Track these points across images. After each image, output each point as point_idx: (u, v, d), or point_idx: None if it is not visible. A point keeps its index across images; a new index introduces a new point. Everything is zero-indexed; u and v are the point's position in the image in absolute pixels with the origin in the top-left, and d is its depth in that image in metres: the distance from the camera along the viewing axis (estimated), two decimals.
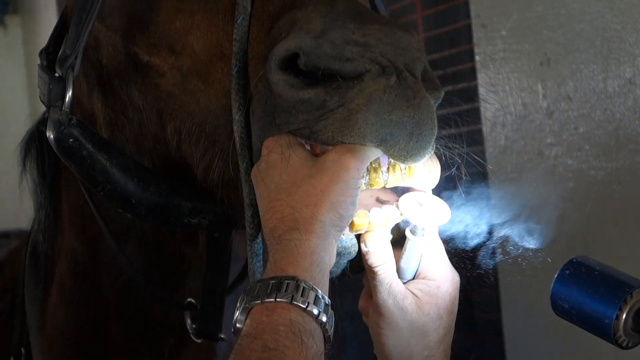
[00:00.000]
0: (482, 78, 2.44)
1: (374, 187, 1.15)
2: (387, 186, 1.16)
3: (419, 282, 1.20)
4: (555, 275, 1.09)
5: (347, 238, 1.15)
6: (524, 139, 2.35)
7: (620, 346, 1.05)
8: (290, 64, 1.06)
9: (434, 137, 1.08)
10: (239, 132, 1.16)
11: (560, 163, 2.28)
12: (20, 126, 1.83)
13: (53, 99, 1.40)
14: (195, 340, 1.64)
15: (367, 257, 1.17)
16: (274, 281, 1.00)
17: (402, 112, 1.03)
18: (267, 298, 0.99)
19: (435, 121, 1.07)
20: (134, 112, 1.39)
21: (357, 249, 1.17)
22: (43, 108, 1.52)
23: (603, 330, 1.04)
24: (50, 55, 1.45)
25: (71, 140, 1.37)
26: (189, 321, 1.64)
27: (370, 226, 1.17)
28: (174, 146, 1.32)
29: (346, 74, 1.02)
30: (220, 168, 1.25)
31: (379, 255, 1.17)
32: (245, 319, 1.01)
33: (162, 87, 1.31)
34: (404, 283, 1.20)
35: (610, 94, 2.16)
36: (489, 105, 2.43)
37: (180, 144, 1.31)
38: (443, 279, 1.19)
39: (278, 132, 1.09)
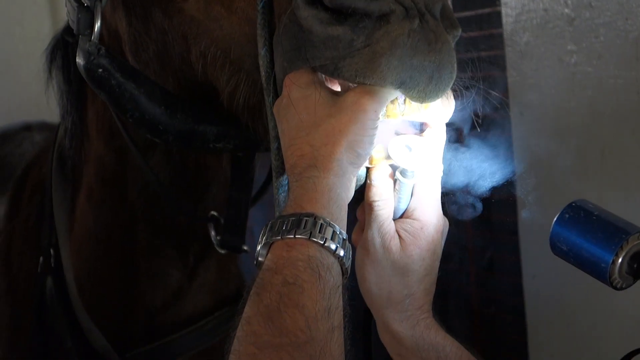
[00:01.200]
0: None
1: (391, 118, 1.19)
2: (403, 117, 1.19)
3: (404, 221, 1.26)
4: (555, 218, 1.14)
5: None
6: (544, 45, 2.33)
7: (615, 287, 1.11)
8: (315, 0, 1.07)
9: (453, 80, 1.12)
10: (265, 67, 1.19)
11: (580, 71, 2.26)
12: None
13: (82, 28, 1.44)
14: (220, 251, 1.73)
15: (367, 190, 1.22)
16: (293, 218, 1.06)
17: (423, 56, 1.06)
18: (287, 234, 1.05)
19: (455, 65, 1.11)
20: (157, 34, 1.41)
21: (364, 179, 1.21)
22: (64, 16, 1.53)
23: (599, 273, 1.10)
24: None
25: (100, 70, 1.42)
26: (213, 233, 1.72)
27: (373, 161, 1.21)
28: (199, 69, 1.35)
29: (371, 13, 1.04)
30: (246, 93, 1.30)
31: (380, 190, 1.22)
32: (267, 254, 1.07)
33: (186, 12, 1.33)
34: (393, 220, 1.24)
35: (632, 3, 2.12)
36: (510, 10, 2.39)
37: (206, 68, 1.34)
38: (428, 222, 1.25)
39: (307, 65, 1.11)
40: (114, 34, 1.53)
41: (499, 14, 2.44)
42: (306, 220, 1.05)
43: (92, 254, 1.80)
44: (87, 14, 1.43)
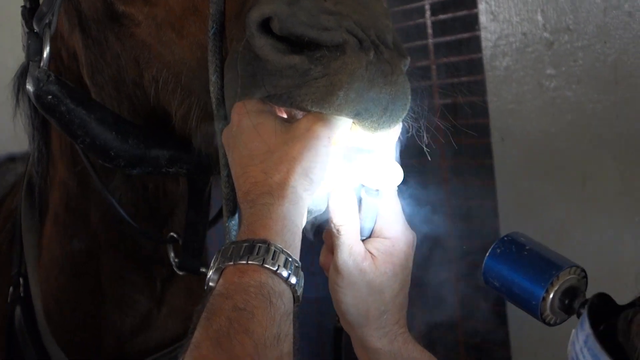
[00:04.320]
0: (483, 7, 2.37)
1: (338, 145, 1.15)
2: (350, 144, 1.17)
3: (375, 240, 1.25)
4: (487, 253, 1.10)
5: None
6: (524, 70, 2.31)
7: (548, 324, 1.06)
8: (266, 27, 1.06)
9: (407, 111, 1.12)
10: (215, 93, 1.18)
11: (560, 95, 2.25)
12: None
13: (32, 54, 1.42)
14: (178, 272, 1.70)
15: (331, 216, 1.20)
16: (246, 244, 1.04)
17: (379, 89, 1.06)
18: (240, 260, 1.03)
19: (409, 96, 1.11)
20: (111, 58, 1.40)
21: (326, 206, 1.20)
22: None
23: (531, 309, 1.05)
24: (29, 11, 1.45)
25: (49, 97, 1.40)
26: (172, 254, 1.70)
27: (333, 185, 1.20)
28: (152, 93, 1.34)
29: (324, 43, 1.04)
30: (197, 116, 1.29)
31: (344, 214, 1.21)
32: (218, 279, 1.05)
33: (138, 37, 1.32)
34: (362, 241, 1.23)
35: (610, 27, 2.10)
36: (490, 34, 2.37)
37: (158, 92, 1.33)
38: (398, 238, 1.24)
39: (263, 92, 1.09)
40: (73, 56, 1.52)
41: (478, 39, 2.43)
42: (259, 246, 1.04)
43: (59, 281, 1.78)
44: (36, 40, 1.42)
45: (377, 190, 1.22)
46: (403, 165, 1.26)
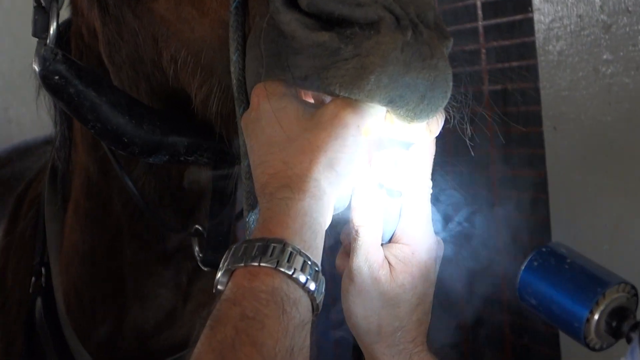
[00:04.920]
0: None
1: (370, 136, 1.05)
2: (385, 135, 1.08)
3: (393, 246, 1.14)
4: (522, 266, 0.98)
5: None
6: (578, 54, 2.18)
7: (593, 349, 0.94)
8: (293, 3, 0.98)
9: (447, 99, 1.01)
10: (236, 74, 1.09)
11: (617, 82, 2.11)
12: None
13: (39, 30, 1.35)
14: (203, 268, 1.62)
15: (353, 214, 1.11)
16: (259, 243, 0.94)
17: (416, 73, 0.95)
18: (251, 261, 0.93)
19: (450, 82, 1.00)
20: (129, 35, 1.33)
21: (347, 203, 1.11)
22: None
23: (573, 332, 0.94)
24: None
25: (57, 77, 1.31)
26: (196, 248, 1.61)
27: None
28: (171, 74, 1.26)
29: (357, 20, 0.94)
30: (219, 100, 1.19)
31: (365, 214, 1.11)
32: (227, 282, 0.95)
33: (156, 12, 1.24)
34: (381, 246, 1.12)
35: None
36: (543, 17, 2.23)
37: (177, 73, 1.24)
38: (419, 245, 1.14)
39: (287, 73, 1.00)
40: (94, 34, 1.44)
41: (531, 21, 2.30)
42: (274, 246, 0.93)
43: (79, 271, 1.72)
44: (43, 15, 1.34)
45: (399, 190, 1.12)
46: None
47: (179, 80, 1.26)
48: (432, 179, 1.15)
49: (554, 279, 0.94)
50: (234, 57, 1.09)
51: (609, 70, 2.12)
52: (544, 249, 0.96)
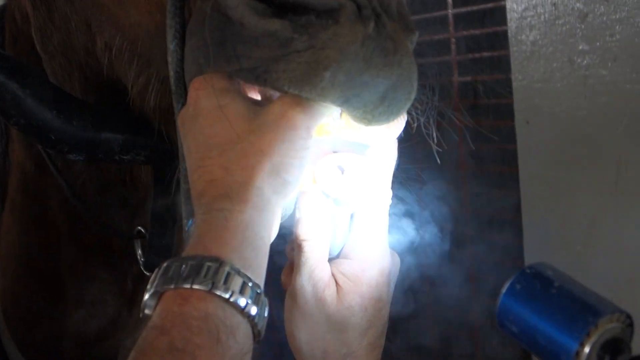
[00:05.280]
0: None
1: (323, 135, 0.97)
2: (338, 136, 0.98)
3: (341, 262, 1.03)
4: (503, 289, 0.86)
5: None
6: (552, 45, 2.08)
7: None
8: None
9: (411, 102, 0.91)
10: (174, 65, 0.98)
11: (593, 74, 2.02)
12: None
13: None
14: (145, 272, 1.51)
15: (296, 226, 1.01)
16: (192, 262, 0.83)
17: (377, 71, 0.86)
18: (182, 283, 0.82)
19: (415, 83, 0.91)
20: (60, 20, 1.23)
21: (291, 211, 1.02)
22: None
23: None
24: None
25: None
26: (139, 251, 1.50)
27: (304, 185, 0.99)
28: (105, 63, 1.15)
29: (314, 7, 0.84)
30: (158, 93, 1.10)
31: (311, 226, 1.01)
32: (156, 306, 0.84)
33: None
34: (328, 260, 1.01)
35: None
36: (516, 5, 2.14)
37: (112, 62, 1.14)
38: (370, 261, 1.02)
39: (233, 64, 0.89)
40: (26, 18, 1.33)
41: (503, 10, 2.20)
42: (209, 266, 0.82)
43: (16, 275, 1.61)
44: None
45: (346, 200, 1.01)
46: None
47: (114, 70, 1.16)
48: (393, 187, 1.05)
49: (540, 305, 0.82)
50: (171, 45, 0.98)
51: (585, 61, 2.03)
52: (527, 271, 0.85)
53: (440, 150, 1.10)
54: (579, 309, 0.81)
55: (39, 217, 1.53)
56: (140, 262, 1.49)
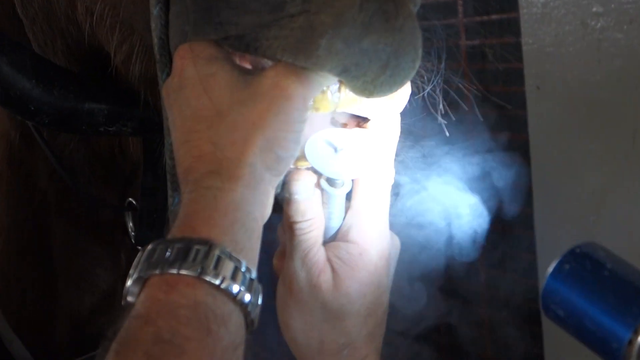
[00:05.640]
0: None
1: (321, 111, 0.90)
2: (338, 110, 0.92)
3: (338, 245, 0.98)
4: (550, 269, 0.79)
5: None
6: (565, 7, 2.00)
7: None
8: None
9: (415, 69, 0.86)
10: (158, 32, 0.92)
11: (608, 37, 1.94)
12: None
13: None
14: (137, 247, 1.46)
15: (286, 207, 0.96)
16: (179, 245, 0.77)
17: (377, 37, 0.80)
18: (169, 268, 0.77)
19: (420, 49, 0.85)
20: None
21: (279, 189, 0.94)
22: None
23: (609, 354, 0.75)
24: None
25: None
26: (130, 225, 1.46)
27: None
28: (87, 30, 1.10)
29: None
30: (142, 61, 1.05)
31: (303, 207, 0.96)
32: (139, 292, 0.78)
33: None
34: (323, 244, 0.96)
35: None
36: None
37: (94, 28, 1.10)
38: (368, 245, 0.97)
39: (218, 32, 0.83)
40: None
41: None
42: (197, 249, 0.76)
43: (5, 252, 1.57)
44: None
45: (341, 180, 0.95)
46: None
47: (97, 37, 1.10)
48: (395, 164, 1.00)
49: (590, 288, 0.76)
50: (154, 10, 0.91)
51: (599, 24, 1.95)
52: (577, 250, 0.78)
53: (446, 122, 1.03)
54: (634, 294, 0.74)
55: (27, 190, 1.49)
56: (131, 235, 1.46)
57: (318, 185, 0.97)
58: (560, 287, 0.78)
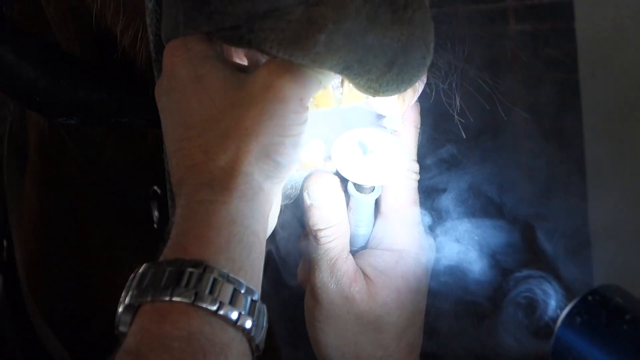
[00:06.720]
0: None
1: (321, 108, 0.85)
2: (342, 106, 0.86)
3: (371, 253, 0.94)
4: (559, 320, 0.71)
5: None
6: None
7: None
8: None
9: (426, 67, 0.79)
10: (154, 28, 0.87)
11: None
12: None
13: None
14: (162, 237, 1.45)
15: (308, 214, 0.90)
16: (171, 268, 0.72)
17: (383, 31, 0.74)
18: (160, 295, 0.71)
19: (432, 43, 0.79)
20: None
21: (297, 192, 0.91)
22: None
23: None
24: None
25: None
26: (155, 213, 1.41)
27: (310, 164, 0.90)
28: (95, 12, 1.05)
29: None
30: (147, 46, 0.99)
31: (326, 213, 0.90)
32: (132, 322, 0.73)
33: None
34: (353, 253, 0.93)
35: None
36: None
37: (101, 11, 1.06)
38: (405, 251, 0.93)
39: (211, 24, 0.77)
40: None
41: None
42: (191, 272, 0.71)
43: (39, 243, 1.55)
44: None
45: (373, 187, 0.90)
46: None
47: (106, 20, 1.05)
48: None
49: (607, 343, 0.67)
50: (149, 4, 0.87)
51: None
52: (590, 298, 0.69)
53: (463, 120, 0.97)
54: None
55: (60, 180, 1.46)
56: (156, 222, 1.40)
57: (342, 188, 0.92)
58: (573, 340, 0.69)
